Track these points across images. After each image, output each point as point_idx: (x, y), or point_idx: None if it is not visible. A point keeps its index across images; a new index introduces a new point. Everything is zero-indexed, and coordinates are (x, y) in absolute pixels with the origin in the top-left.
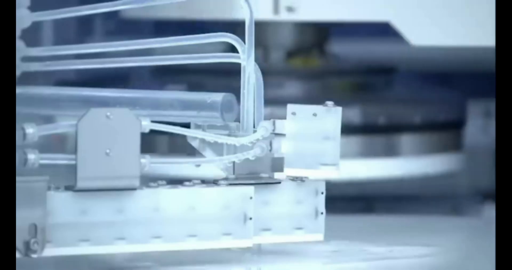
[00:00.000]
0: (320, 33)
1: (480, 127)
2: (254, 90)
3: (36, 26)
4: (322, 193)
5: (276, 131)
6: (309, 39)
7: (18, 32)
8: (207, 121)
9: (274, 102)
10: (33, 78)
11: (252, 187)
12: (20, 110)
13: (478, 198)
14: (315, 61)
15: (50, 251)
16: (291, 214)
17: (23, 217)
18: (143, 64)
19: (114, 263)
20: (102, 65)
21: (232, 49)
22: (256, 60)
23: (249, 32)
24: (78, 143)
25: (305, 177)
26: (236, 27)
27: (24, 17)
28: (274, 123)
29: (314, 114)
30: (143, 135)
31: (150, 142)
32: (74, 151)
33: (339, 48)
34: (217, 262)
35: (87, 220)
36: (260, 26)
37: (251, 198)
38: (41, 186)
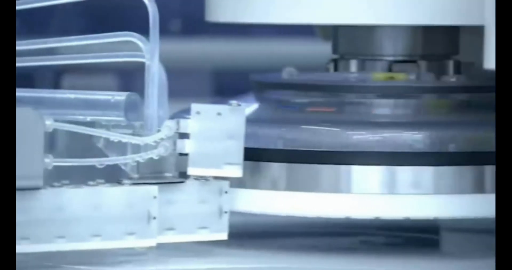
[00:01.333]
0: None
1: None
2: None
3: None
4: (226, 192)
5: (181, 131)
6: None
7: None
8: (111, 121)
9: None
10: None
11: (156, 187)
12: None
13: None
14: None
15: None
16: (195, 213)
17: None
18: (46, 63)
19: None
20: None
21: None
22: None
23: (153, 31)
24: None
25: (209, 177)
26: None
27: None
28: (178, 123)
29: (219, 114)
30: None
31: None
32: None
33: None
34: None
35: None
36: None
37: (155, 197)
38: None
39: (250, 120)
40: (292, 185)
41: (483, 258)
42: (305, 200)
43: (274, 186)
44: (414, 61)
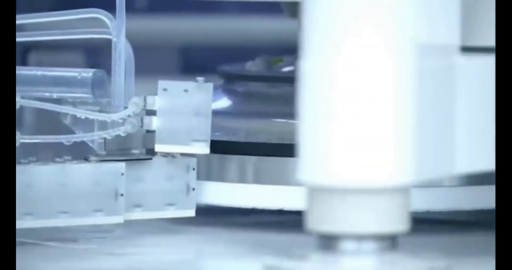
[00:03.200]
0: None
1: None
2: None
3: None
4: (194, 169)
5: (148, 107)
6: None
7: None
8: (78, 98)
9: None
10: None
11: (123, 163)
12: None
13: None
14: None
15: None
16: (163, 190)
17: None
18: None
19: None
20: None
21: None
22: None
23: (120, 7)
24: None
25: (177, 153)
26: None
27: None
28: (145, 99)
29: (186, 90)
30: None
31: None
32: None
33: None
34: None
35: None
36: None
37: (122, 174)
38: None
39: (218, 113)
40: (260, 178)
41: None
42: (273, 192)
43: (241, 179)
44: None
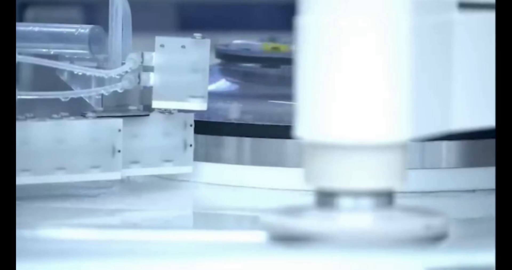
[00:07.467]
0: None
1: None
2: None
3: None
4: (191, 125)
5: (145, 64)
6: None
7: None
8: (75, 54)
9: None
10: None
11: (120, 120)
12: None
13: None
14: None
15: None
16: (160, 146)
17: None
18: None
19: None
20: None
21: None
22: None
23: None
24: None
25: (174, 110)
26: None
27: None
28: (142, 55)
29: (183, 46)
30: None
31: None
32: None
33: None
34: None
35: None
36: None
37: (119, 130)
38: None
39: (216, 94)
40: (257, 160)
41: None
42: (269, 174)
43: (239, 160)
44: None
